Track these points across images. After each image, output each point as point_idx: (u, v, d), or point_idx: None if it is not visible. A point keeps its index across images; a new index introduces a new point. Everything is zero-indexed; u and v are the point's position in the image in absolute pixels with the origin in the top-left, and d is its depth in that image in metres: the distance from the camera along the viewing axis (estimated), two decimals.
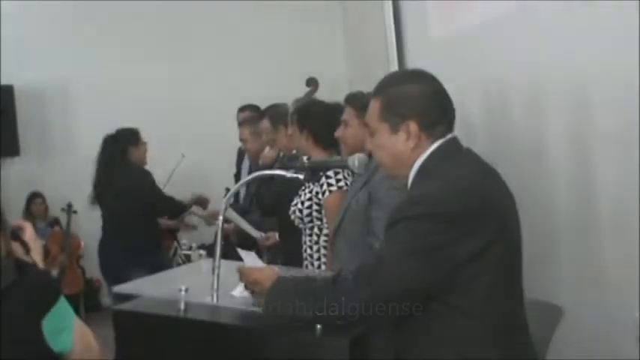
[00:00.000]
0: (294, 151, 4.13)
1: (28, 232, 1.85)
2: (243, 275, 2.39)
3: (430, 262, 1.93)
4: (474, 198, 1.97)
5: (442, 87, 2.14)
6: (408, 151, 2.09)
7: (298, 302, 2.10)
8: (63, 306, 1.68)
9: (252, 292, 2.37)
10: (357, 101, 3.30)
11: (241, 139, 5.43)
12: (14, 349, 1.56)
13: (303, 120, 3.66)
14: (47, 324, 1.62)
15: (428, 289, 1.97)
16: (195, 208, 5.92)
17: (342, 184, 3.43)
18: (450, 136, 2.10)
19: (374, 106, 2.15)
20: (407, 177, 2.12)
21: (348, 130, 3.31)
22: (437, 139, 2.08)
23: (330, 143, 3.56)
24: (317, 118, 3.62)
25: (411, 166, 2.10)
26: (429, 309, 1.99)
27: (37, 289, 1.65)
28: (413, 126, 2.06)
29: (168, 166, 6.57)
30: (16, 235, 1.73)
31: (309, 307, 2.08)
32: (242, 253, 2.69)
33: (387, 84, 2.17)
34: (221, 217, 2.70)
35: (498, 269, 1.97)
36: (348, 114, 3.33)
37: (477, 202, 1.96)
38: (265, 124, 4.72)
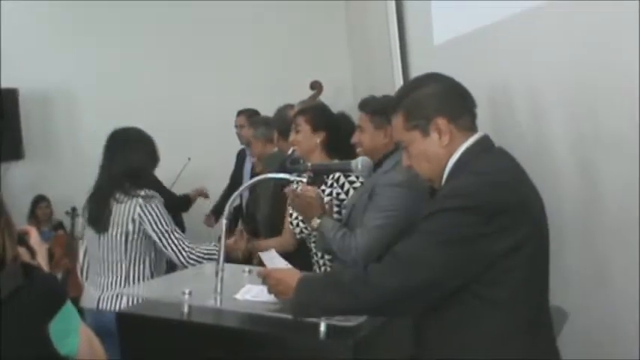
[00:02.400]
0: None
1: (34, 237, 1.86)
2: (267, 277, 2.36)
3: (464, 253, 1.94)
4: (512, 193, 1.99)
5: (454, 81, 2.18)
6: (443, 149, 2.11)
7: (329, 295, 2.09)
8: (69, 309, 1.69)
9: (277, 294, 2.34)
10: (369, 106, 3.32)
11: (246, 140, 5.44)
12: (21, 352, 1.57)
13: (319, 120, 3.63)
14: (54, 327, 1.62)
15: (459, 280, 1.98)
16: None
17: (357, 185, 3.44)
18: (481, 134, 2.13)
19: (397, 120, 2.18)
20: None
21: (363, 135, 3.31)
22: (468, 131, 2.11)
23: (338, 150, 3.54)
24: (334, 122, 3.58)
25: (446, 162, 2.11)
26: (457, 299, 2.00)
27: (44, 292, 1.66)
28: (442, 121, 2.10)
29: (173, 169, 6.57)
30: (22, 239, 1.73)
31: (339, 299, 2.07)
32: (264, 255, 2.69)
33: (402, 95, 2.21)
34: (224, 221, 2.70)
35: (530, 266, 1.99)
36: (361, 119, 3.33)
37: (514, 198, 1.98)
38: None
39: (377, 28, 5.94)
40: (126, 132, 3.71)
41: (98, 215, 3.57)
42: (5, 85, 6.92)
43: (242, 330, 2.46)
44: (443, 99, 2.12)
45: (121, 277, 3.53)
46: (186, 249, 3.47)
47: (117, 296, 3.48)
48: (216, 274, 2.56)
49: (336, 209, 3.51)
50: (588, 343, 3.07)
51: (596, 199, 3.04)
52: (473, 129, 2.14)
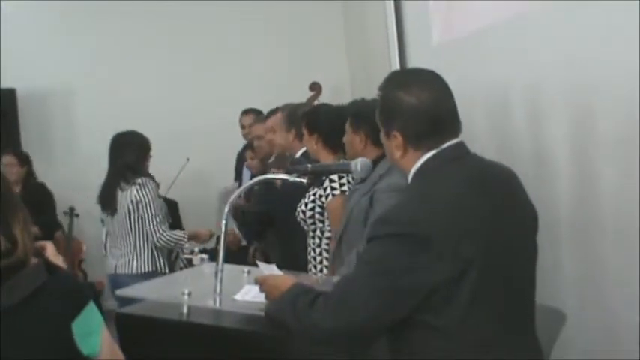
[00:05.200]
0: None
1: (50, 250, 1.86)
2: (263, 284, 2.35)
3: (402, 284, 1.86)
4: (454, 218, 1.88)
5: (444, 98, 2.05)
6: (399, 158, 2.06)
7: (287, 319, 2.08)
8: (93, 309, 1.68)
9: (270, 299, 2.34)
10: (349, 109, 3.40)
11: (255, 137, 5.35)
12: (45, 350, 1.57)
13: (313, 124, 3.69)
14: (77, 326, 1.62)
15: (400, 312, 1.91)
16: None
17: (345, 188, 3.46)
18: (447, 144, 2.02)
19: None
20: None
21: (346, 138, 3.33)
22: (429, 150, 2.01)
23: (338, 147, 3.57)
24: (326, 122, 3.65)
25: (408, 172, 2.06)
26: (404, 326, 1.94)
27: (67, 290, 1.65)
28: (398, 137, 2.03)
29: (171, 169, 6.57)
30: (39, 253, 1.73)
31: (293, 326, 2.06)
32: (262, 265, 2.69)
33: (388, 84, 2.12)
34: (224, 222, 2.70)
35: (478, 289, 1.88)
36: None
37: (450, 225, 1.86)
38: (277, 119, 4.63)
39: (375, 28, 5.94)
40: (123, 135, 4.68)
41: (108, 202, 4.61)
42: (3, 85, 6.92)
43: (241, 331, 2.45)
44: (412, 118, 2.01)
45: (130, 246, 4.58)
46: (160, 231, 4.54)
47: (128, 262, 4.57)
48: (216, 274, 2.56)
49: (318, 210, 3.53)
50: (586, 344, 3.07)
51: (594, 200, 3.04)
52: (440, 145, 2.01)
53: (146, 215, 4.51)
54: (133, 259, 4.57)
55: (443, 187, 1.96)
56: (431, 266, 1.84)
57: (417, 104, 2.01)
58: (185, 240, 4.70)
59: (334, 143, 3.57)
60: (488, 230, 1.92)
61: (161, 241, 4.55)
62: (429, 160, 2.01)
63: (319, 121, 3.68)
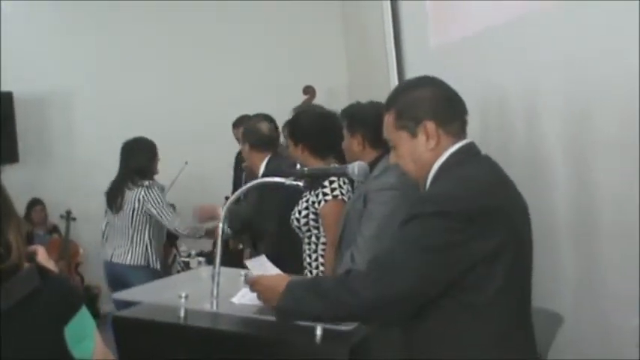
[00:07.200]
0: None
1: (41, 254, 1.86)
2: (255, 285, 2.36)
3: (442, 259, 1.93)
4: (488, 200, 1.97)
5: (450, 88, 2.17)
6: (429, 153, 2.11)
7: (311, 304, 2.09)
8: (85, 314, 1.67)
9: (265, 301, 2.33)
10: (346, 112, 3.37)
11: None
12: (37, 355, 1.56)
13: (295, 134, 3.65)
14: (69, 331, 1.61)
15: (438, 287, 1.96)
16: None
17: (337, 192, 3.44)
18: (467, 141, 2.13)
19: (388, 120, 2.18)
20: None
21: (344, 142, 3.34)
22: (455, 137, 2.11)
23: (326, 152, 3.57)
24: (308, 130, 3.62)
25: (433, 166, 2.11)
26: (438, 304, 1.99)
27: (60, 295, 1.64)
28: (430, 125, 2.09)
29: (170, 172, 6.55)
30: (31, 258, 1.72)
31: (321, 308, 2.07)
32: (250, 263, 2.68)
33: (396, 95, 2.21)
34: (220, 225, 2.70)
35: (508, 272, 1.96)
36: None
37: (490, 204, 1.96)
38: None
39: (373, 31, 5.96)
40: (134, 141, 5.07)
41: (115, 200, 4.99)
42: (1, 88, 6.91)
43: (238, 334, 2.45)
44: (435, 103, 2.12)
45: (127, 239, 4.97)
46: (177, 221, 4.95)
47: (124, 253, 4.96)
48: (213, 277, 2.56)
49: (312, 216, 3.52)
50: (584, 347, 3.07)
51: (591, 204, 3.04)
52: (461, 135, 2.13)
53: (159, 211, 4.91)
54: (128, 252, 4.97)
55: (477, 172, 2.07)
56: (469, 243, 1.92)
57: (437, 90, 2.16)
58: (202, 230, 5.02)
59: (321, 150, 3.56)
60: (517, 216, 2.04)
61: (180, 230, 4.97)
62: (452, 154, 2.10)
63: (301, 130, 3.63)
